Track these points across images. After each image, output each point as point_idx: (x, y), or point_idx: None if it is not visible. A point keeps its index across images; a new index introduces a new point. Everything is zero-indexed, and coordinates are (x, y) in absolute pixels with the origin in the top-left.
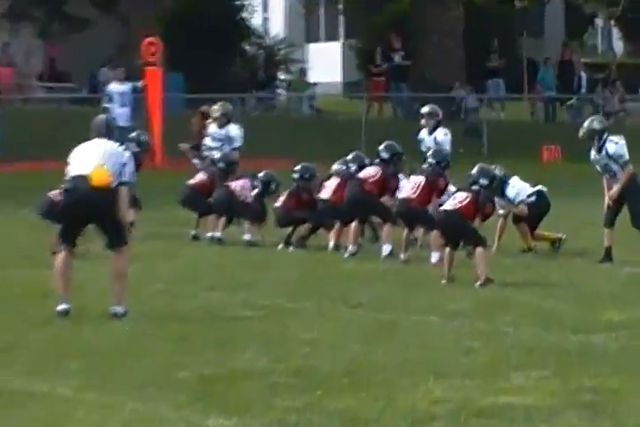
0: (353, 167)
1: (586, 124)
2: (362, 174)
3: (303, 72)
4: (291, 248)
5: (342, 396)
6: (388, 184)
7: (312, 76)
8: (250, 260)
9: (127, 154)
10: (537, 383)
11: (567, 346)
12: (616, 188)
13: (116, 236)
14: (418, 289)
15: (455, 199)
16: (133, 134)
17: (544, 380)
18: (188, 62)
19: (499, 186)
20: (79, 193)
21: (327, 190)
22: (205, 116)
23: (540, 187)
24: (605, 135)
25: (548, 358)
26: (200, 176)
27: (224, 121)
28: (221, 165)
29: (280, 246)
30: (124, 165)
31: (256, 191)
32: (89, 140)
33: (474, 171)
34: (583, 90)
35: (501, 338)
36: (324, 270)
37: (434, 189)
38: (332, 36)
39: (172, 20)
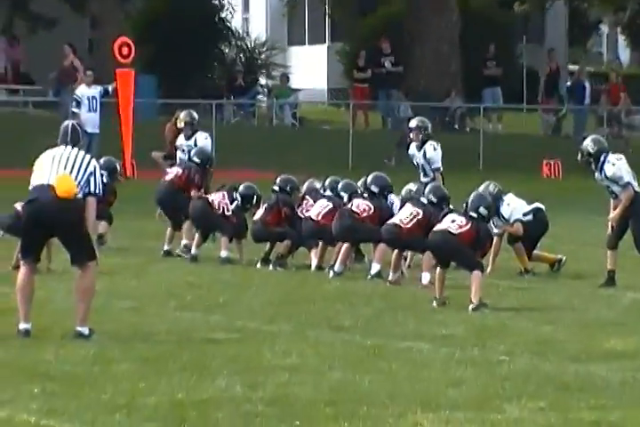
0: (345, 197)
1: (582, 146)
2: (355, 207)
3: (286, 77)
4: (270, 267)
5: None
6: (382, 219)
7: (295, 82)
8: (225, 279)
9: (94, 163)
10: (533, 416)
11: (565, 376)
12: (617, 210)
13: (82, 251)
14: (406, 313)
15: (454, 222)
16: (102, 161)
17: (540, 412)
18: (163, 65)
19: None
20: (42, 203)
21: (316, 211)
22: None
23: (537, 204)
24: (604, 156)
25: (545, 389)
26: (176, 169)
27: (190, 131)
28: (196, 159)
29: (258, 265)
30: (92, 174)
31: (235, 205)
32: (54, 146)
33: (471, 198)
34: (587, 100)
35: (495, 367)
36: (305, 291)
37: (425, 226)
38: (316, 39)
39: (146, 20)
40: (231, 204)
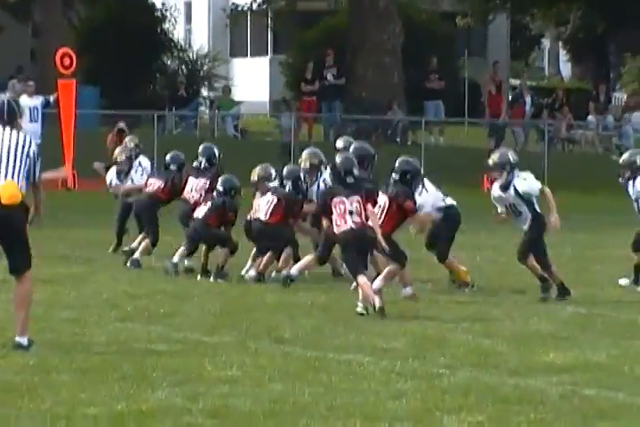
0: (288, 184)
1: (498, 154)
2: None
3: (228, 89)
4: (211, 279)
5: None
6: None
7: (237, 94)
8: (166, 289)
9: (34, 147)
10: None
11: (505, 389)
12: (553, 214)
13: (23, 259)
14: (347, 325)
15: (352, 214)
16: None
17: (479, 426)
18: (105, 76)
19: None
20: None
21: (263, 210)
22: (122, 133)
23: (450, 200)
24: (515, 171)
25: (485, 403)
26: (156, 182)
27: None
28: (173, 167)
29: (198, 277)
30: (33, 160)
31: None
32: None
33: (341, 165)
34: (528, 115)
35: (435, 380)
36: (246, 302)
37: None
38: (259, 51)
39: (88, 31)
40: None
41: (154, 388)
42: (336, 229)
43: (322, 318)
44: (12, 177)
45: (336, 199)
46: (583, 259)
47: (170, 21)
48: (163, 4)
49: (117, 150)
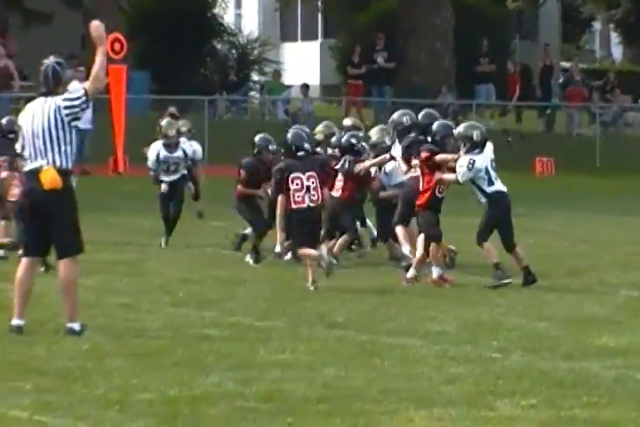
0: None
1: (464, 126)
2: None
3: (278, 73)
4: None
5: (316, 423)
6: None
7: (287, 79)
8: (219, 275)
9: (77, 121)
10: (526, 413)
11: (559, 373)
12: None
13: (66, 243)
14: (400, 309)
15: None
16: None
17: (533, 409)
18: (155, 61)
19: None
20: (36, 195)
21: (337, 185)
22: (173, 118)
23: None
24: (476, 150)
25: (539, 386)
26: None
27: (176, 140)
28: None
29: (247, 258)
30: (82, 138)
31: None
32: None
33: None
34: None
35: (488, 364)
36: (298, 287)
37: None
38: (309, 35)
39: (139, 16)
40: None
41: (207, 373)
42: (293, 205)
43: (374, 303)
44: (54, 157)
45: (293, 175)
46: (635, 242)
47: (220, 6)
48: None
49: (164, 123)
